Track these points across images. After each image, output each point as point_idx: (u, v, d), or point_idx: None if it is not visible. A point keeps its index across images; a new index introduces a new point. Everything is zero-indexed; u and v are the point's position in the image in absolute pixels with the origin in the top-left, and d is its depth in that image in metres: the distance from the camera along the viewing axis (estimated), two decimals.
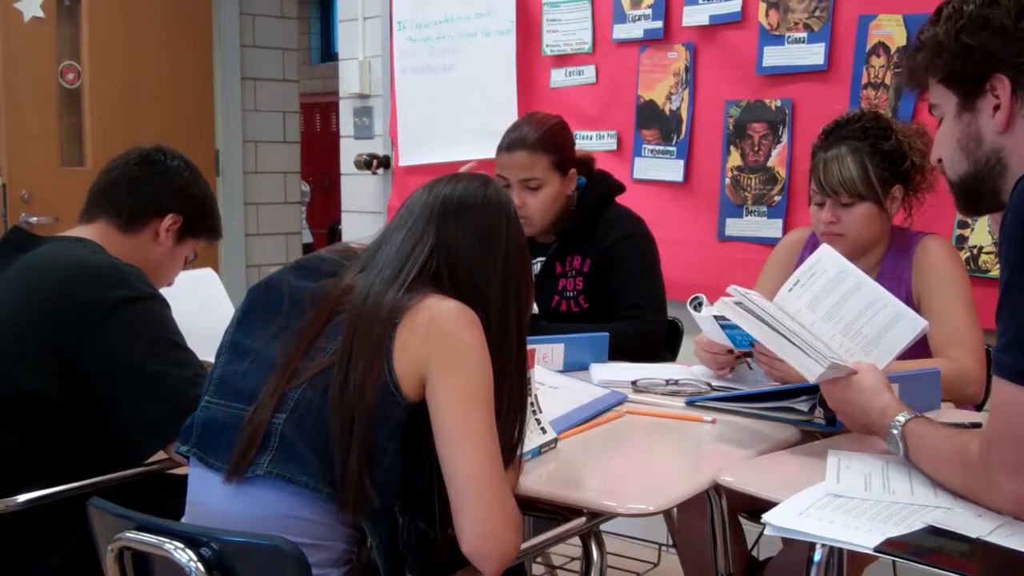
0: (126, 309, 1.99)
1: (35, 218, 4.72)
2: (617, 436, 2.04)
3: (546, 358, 2.45)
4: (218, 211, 2.39)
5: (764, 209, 3.37)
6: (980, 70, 1.56)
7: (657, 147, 3.60)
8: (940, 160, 1.67)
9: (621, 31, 3.66)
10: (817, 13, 3.22)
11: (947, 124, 1.63)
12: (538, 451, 1.83)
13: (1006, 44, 1.54)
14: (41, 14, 4.76)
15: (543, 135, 2.78)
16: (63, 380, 1.96)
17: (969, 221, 2.94)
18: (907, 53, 1.72)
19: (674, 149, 3.56)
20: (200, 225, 2.31)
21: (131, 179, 2.23)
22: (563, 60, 3.84)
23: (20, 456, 1.95)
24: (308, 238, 8.08)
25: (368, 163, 4.43)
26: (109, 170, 2.26)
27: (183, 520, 1.61)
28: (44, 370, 1.95)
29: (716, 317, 2.23)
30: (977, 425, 1.75)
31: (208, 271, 2.96)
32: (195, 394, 1.70)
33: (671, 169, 3.57)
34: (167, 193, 2.24)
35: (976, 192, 1.62)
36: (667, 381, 2.32)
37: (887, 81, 3.10)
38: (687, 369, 2.48)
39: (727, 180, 3.44)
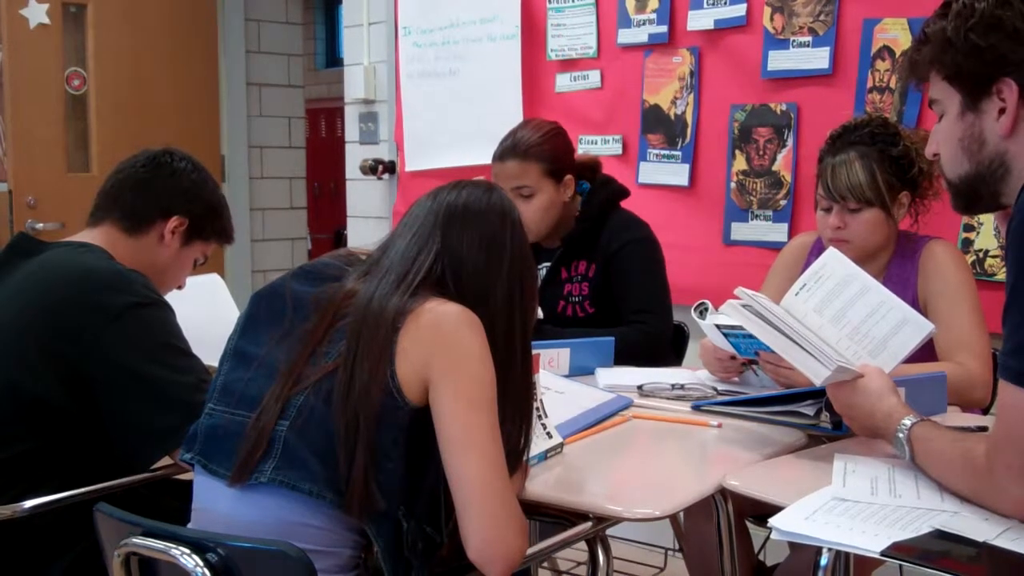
0: (130, 315, 1.99)
1: (41, 224, 4.72)
2: (623, 441, 2.04)
3: (552, 363, 2.45)
4: (228, 213, 2.37)
5: (769, 213, 3.37)
6: (988, 72, 1.53)
7: (662, 151, 3.60)
8: (936, 154, 1.66)
9: (626, 35, 3.66)
10: (822, 17, 3.22)
11: (948, 122, 1.61)
12: (544, 456, 1.82)
13: (1017, 48, 1.52)
14: (47, 21, 4.77)
15: (534, 143, 2.77)
16: (67, 386, 1.95)
17: (975, 224, 2.94)
18: (911, 45, 1.69)
19: (679, 153, 3.56)
20: (208, 227, 2.30)
21: (137, 181, 2.22)
22: (568, 65, 3.84)
23: (26, 461, 1.95)
24: None
25: (373, 168, 4.44)
26: (117, 172, 2.26)
27: (189, 526, 1.62)
28: (48, 376, 1.95)
29: (719, 326, 2.23)
30: (983, 429, 1.75)
31: (214, 276, 2.96)
32: (200, 400, 1.70)
33: (676, 173, 3.57)
34: (173, 195, 2.23)
35: (976, 192, 1.60)
36: (673, 385, 2.32)
37: (892, 85, 3.10)
38: (693, 373, 2.48)
39: (732, 184, 3.44)
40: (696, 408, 2.17)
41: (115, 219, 2.20)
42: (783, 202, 3.34)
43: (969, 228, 2.97)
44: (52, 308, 1.99)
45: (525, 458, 1.66)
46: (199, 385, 1.95)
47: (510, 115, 3.78)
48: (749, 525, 2.46)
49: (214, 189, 2.34)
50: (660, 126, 3.60)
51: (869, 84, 3.14)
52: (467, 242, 1.62)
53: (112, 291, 2.01)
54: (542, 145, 2.78)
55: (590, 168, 2.93)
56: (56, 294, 2.01)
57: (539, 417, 1.81)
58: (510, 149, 2.78)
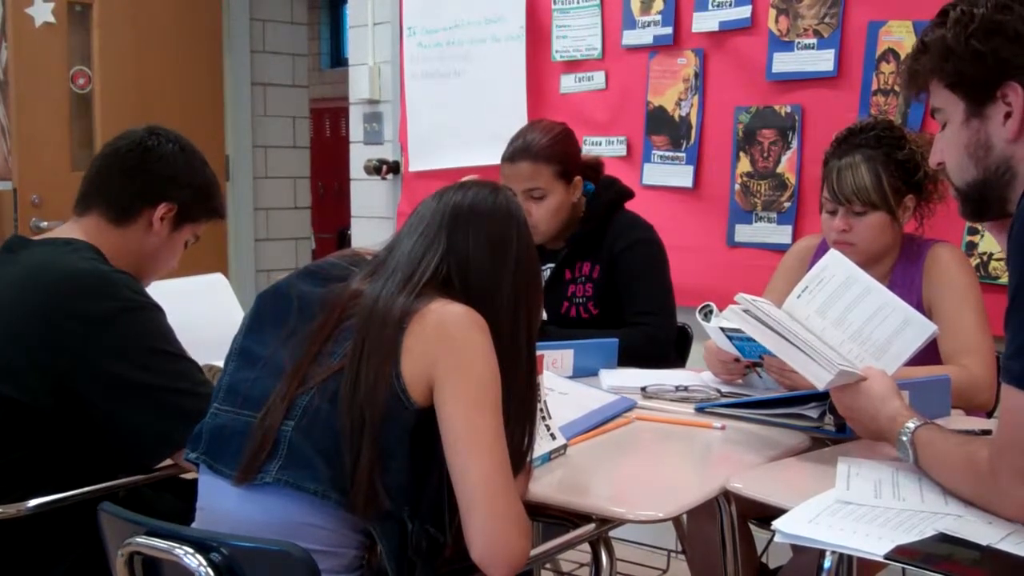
0: (118, 322, 1.94)
1: (45, 222, 4.71)
2: (626, 442, 2.04)
3: (555, 364, 2.45)
4: (218, 191, 2.28)
5: (774, 215, 3.37)
6: (992, 77, 1.53)
7: (667, 153, 3.60)
8: (941, 164, 1.66)
9: (631, 37, 3.66)
10: (827, 19, 3.22)
11: (953, 130, 1.61)
12: (548, 457, 1.83)
13: (1020, 51, 1.51)
14: (53, 19, 4.77)
15: (546, 144, 2.77)
16: (56, 395, 1.90)
17: (979, 228, 2.94)
18: (909, 55, 1.69)
19: (683, 155, 3.56)
20: (197, 210, 2.21)
21: (123, 169, 2.14)
22: (573, 66, 3.84)
23: (21, 468, 1.91)
24: None
25: (378, 168, 4.44)
26: (102, 156, 2.18)
27: (193, 525, 1.62)
28: (36, 385, 1.89)
29: (723, 329, 2.23)
30: (987, 432, 1.75)
31: (218, 276, 2.95)
32: (193, 405, 1.69)
33: (680, 175, 3.57)
34: (160, 182, 2.15)
35: (984, 199, 1.60)
36: (676, 387, 2.32)
37: (897, 88, 3.10)
38: (696, 375, 2.48)
39: (736, 186, 3.44)
40: (700, 410, 2.17)
41: (101, 210, 2.12)
42: (787, 204, 3.34)
43: (973, 231, 2.97)
44: (38, 315, 1.92)
45: (529, 459, 1.66)
46: (193, 389, 1.93)
47: (515, 116, 3.77)
48: (752, 527, 2.46)
49: (202, 169, 2.24)
50: (664, 128, 3.60)
51: (874, 86, 3.14)
52: (473, 243, 1.62)
53: (98, 297, 1.95)
54: (554, 147, 2.78)
55: (593, 168, 2.93)
56: (39, 300, 1.94)
57: (543, 418, 1.82)
58: (522, 150, 2.77)
